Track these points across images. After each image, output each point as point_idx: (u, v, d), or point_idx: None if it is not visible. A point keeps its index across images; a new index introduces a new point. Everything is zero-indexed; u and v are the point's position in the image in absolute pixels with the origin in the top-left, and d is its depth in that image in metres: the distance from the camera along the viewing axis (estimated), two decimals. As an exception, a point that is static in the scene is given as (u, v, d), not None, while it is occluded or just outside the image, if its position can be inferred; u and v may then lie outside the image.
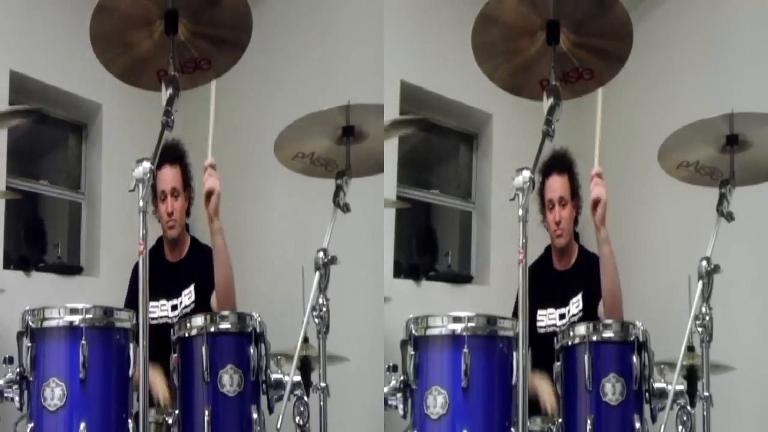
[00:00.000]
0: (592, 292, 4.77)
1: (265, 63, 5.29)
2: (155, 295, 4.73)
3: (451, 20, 5.24)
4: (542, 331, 4.83)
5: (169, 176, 4.92)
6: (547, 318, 4.87)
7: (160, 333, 4.18)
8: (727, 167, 4.29)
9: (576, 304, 4.85)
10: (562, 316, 4.86)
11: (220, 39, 3.86)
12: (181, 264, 4.97)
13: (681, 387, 4.22)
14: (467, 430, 3.97)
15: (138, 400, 3.56)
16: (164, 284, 4.78)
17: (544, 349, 4.34)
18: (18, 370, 3.95)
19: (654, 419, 4.23)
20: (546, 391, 4.54)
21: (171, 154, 4.91)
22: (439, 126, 5.76)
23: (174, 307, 4.82)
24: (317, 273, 4.14)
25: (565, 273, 5.00)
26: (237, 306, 4.81)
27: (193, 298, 4.81)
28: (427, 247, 5.77)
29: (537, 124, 3.66)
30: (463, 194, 5.89)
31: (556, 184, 4.99)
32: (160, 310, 4.81)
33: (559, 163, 4.99)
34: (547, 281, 4.93)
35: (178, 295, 4.83)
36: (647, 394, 4.20)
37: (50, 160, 5.52)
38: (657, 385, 4.22)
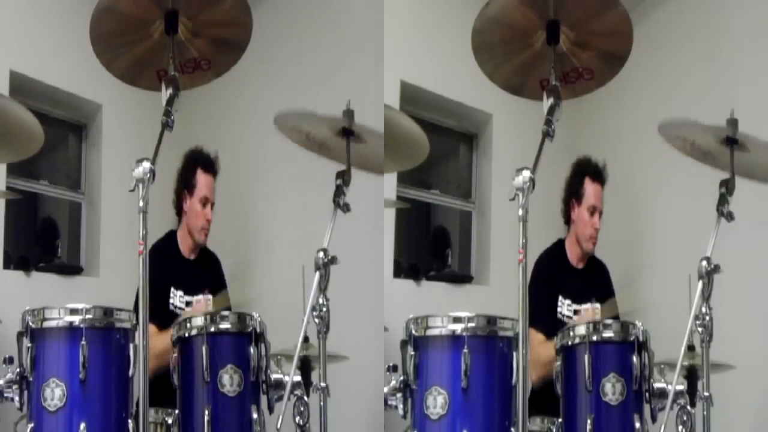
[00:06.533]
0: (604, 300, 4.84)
1: (265, 63, 5.29)
2: (174, 284, 4.77)
3: (451, 20, 5.24)
4: (560, 317, 4.85)
5: (212, 185, 4.96)
6: (566, 308, 4.87)
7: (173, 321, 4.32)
8: (726, 164, 4.28)
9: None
10: (576, 312, 4.87)
11: (220, 39, 3.86)
12: (196, 262, 4.99)
13: (681, 387, 4.23)
14: (467, 431, 3.98)
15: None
16: (181, 277, 4.82)
17: None
18: (18, 370, 3.95)
19: (654, 419, 4.23)
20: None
21: (212, 165, 4.97)
22: (439, 126, 5.75)
23: (188, 304, 4.82)
24: (317, 273, 4.14)
25: (580, 271, 5.02)
26: (234, 307, 4.83)
27: (210, 306, 4.83)
28: (427, 247, 5.76)
29: (537, 124, 3.66)
30: (463, 194, 5.88)
31: (599, 192, 4.99)
32: (179, 300, 4.82)
33: (600, 175, 4.99)
34: (565, 274, 4.95)
35: (193, 293, 4.84)
36: (647, 394, 4.20)
37: (50, 160, 5.51)
38: (657, 385, 4.23)
